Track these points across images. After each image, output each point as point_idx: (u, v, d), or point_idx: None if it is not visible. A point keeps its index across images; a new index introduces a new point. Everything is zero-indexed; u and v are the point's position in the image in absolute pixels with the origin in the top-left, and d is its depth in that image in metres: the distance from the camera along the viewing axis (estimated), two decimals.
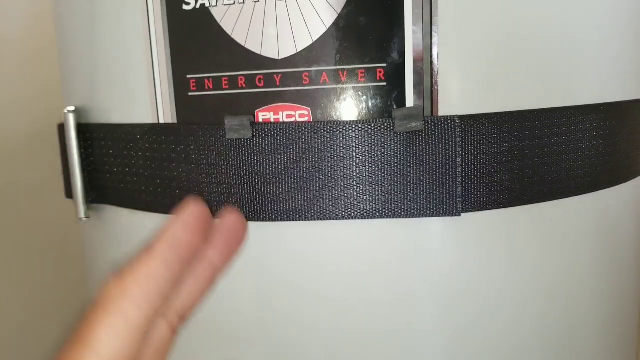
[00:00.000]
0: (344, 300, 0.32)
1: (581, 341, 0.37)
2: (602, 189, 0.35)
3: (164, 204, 0.33)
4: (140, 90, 0.32)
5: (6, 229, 0.70)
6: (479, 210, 0.31)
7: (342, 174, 0.30)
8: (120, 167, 0.34)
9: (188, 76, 0.31)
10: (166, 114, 0.32)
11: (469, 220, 0.31)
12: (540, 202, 0.32)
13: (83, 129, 0.36)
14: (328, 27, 0.28)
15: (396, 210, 0.30)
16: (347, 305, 0.32)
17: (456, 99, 0.30)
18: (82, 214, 0.36)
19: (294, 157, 0.30)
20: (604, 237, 0.37)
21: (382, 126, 0.29)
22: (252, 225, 0.31)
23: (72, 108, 0.35)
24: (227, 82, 0.30)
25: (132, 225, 0.36)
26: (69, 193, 0.39)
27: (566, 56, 0.32)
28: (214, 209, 0.31)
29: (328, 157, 0.29)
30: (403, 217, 0.30)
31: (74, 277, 0.72)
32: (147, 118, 0.33)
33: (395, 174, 0.29)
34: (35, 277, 0.74)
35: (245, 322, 0.33)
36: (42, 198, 0.73)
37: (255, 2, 0.29)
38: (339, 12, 0.28)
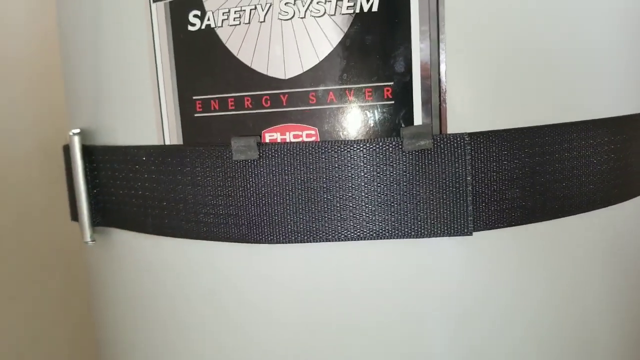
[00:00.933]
0: (352, 322, 0.31)
1: (596, 357, 0.36)
2: (614, 204, 0.34)
3: (170, 226, 0.32)
4: (145, 112, 0.32)
5: (13, 250, 0.70)
6: (490, 228, 0.30)
7: (350, 194, 0.29)
8: (126, 189, 0.34)
9: (194, 97, 0.30)
10: (172, 135, 0.31)
11: (479, 238, 0.30)
12: (552, 219, 0.31)
13: (88, 151, 0.36)
14: (335, 46, 0.28)
15: (406, 230, 0.29)
16: (357, 327, 0.31)
17: (465, 116, 0.29)
18: (87, 237, 0.36)
19: (301, 177, 0.29)
20: (616, 253, 0.36)
21: (390, 145, 0.28)
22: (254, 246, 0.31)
23: (77, 130, 0.35)
24: (233, 103, 0.30)
25: (138, 248, 0.35)
26: (75, 215, 0.39)
27: (575, 71, 0.32)
28: (221, 231, 0.31)
29: (336, 177, 0.29)
30: (413, 237, 0.29)
31: (80, 299, 0.72)
32: (153, 139, 0.32)
33: (405, 194, 0.29)
34: (40, 299, 0.73)
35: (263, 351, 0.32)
36: (49, 219, 0.72)
37: (261, 22, 0.29)
38: (345, 31, 0.28)
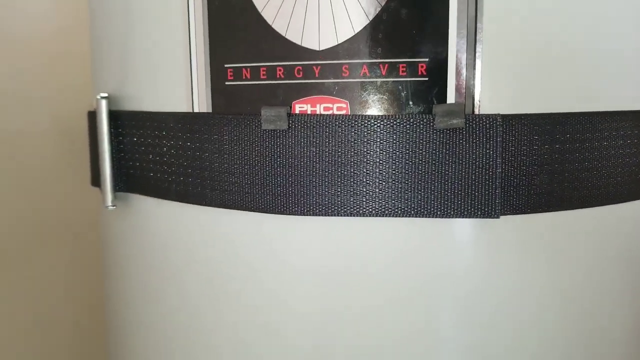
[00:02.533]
0: (368, 299, 0.31)
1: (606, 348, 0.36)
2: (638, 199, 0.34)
3: (194, 194, 0.32)
4: (175, 78, 0.32)
5: (25, 221, 0.71)
6: (517, 213, 0.30)
7: (378, 170, 0.29)
8: (150, 155, 0.34)
9: (226, 65, 0.30)
10: (201, 103, 0.31)
11: (503, 222, 0.30)
12: (579, 208, 0.31)
13: (114, 116, 0.36)
14: (371, 19, 0.28)
15: (433, 209, 0.29)
16: (371, 303, 0.31)
17: (498, 97, 0.29)
18: (109, 202, 0.36)
19: (330, 150, 0.29)
20: (633, 249, 0.36)
21: (422, 122, 0.28)
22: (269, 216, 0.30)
23: (104, 94, 0.35)
24: (265, 72, 0.30)
25: (160, 215, 0.35)
26: (96, 181, 0.39)
27: (609, 62, 0.31)
28: (246, 201, 0.31)
29: (365, 152, 0.29)
30: (439, 217, 0.29)
31: (92, 269, 0.72)
32: (182, 107, 0.32)
33: (433, 172, 0.29)
34: (52, 268, 0.74)
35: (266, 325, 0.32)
36: (65, 192, 0.73)
37: None
38: (382, 5, 0.28)
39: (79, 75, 0.69)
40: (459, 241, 0.31)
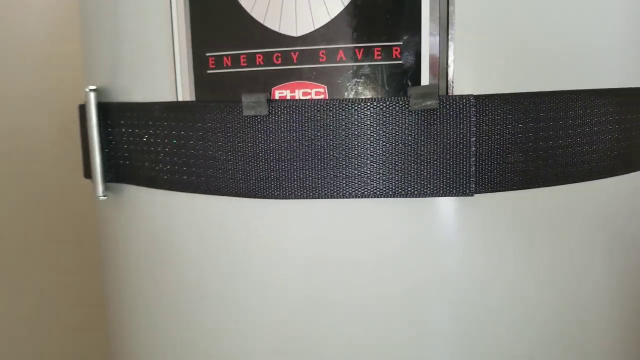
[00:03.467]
0: (353, 279, 0.32)
1: (591, 325, 0.37)
2: (617, 175, 0.35)
3: (181, 181, 0.33)
4: (160, 68, 0.33)
5: (22, 218, 0.72)
6: (492, 191, 0.31)
7: (356, 152, 0.30)
8: (139, 145, 0.35)
9: (207, 54, 0.31)
10: (185, 92, 0.32)
11: (481, 201, 0.31)
12: (554, 185, 0.32)
13: (103, 108, 0.37)
14: (346, 4, 0.29)
15: (409, 189, 0.30)
16: (355, 278, 0.32)
17: (471, 79, 0.30)
18: (100, 192, 0.37)
19: (309, 134, 0.30)
20: (617, 227, 0.37)
21: (397, 104, 0.29)
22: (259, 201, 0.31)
23: (93, 87, 0.36)
24: (245, 60, 0.30)
25: (149, 203, 0.36)
26: (88, 172, 0.40)
27: (583, 40, 0.32)
28: (230, 186, 0.32)
29: (343, 135, 0.30)
30: (416, 197, 0.30)
31: (92, 265, 0.73)
32: (167, 96, 0.33)
33: (409, 153, 0.30)
34: (52, 267, 0.75)
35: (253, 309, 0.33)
36: (59, 189, 0.74)
37: None
38: None
39: (76, 71, 0.70)
40: (440, 220, 0.32)
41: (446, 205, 0.31)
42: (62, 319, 0.77)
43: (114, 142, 0.37)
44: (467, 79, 0.30)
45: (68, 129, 0.71)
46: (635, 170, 0.36)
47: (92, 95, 0.36)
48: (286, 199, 0.31)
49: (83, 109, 0.39)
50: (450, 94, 0.30)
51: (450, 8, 0.29)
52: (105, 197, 0.37)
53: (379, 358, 0.32)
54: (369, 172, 0.30)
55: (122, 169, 0.37)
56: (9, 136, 0.68)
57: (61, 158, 0.73)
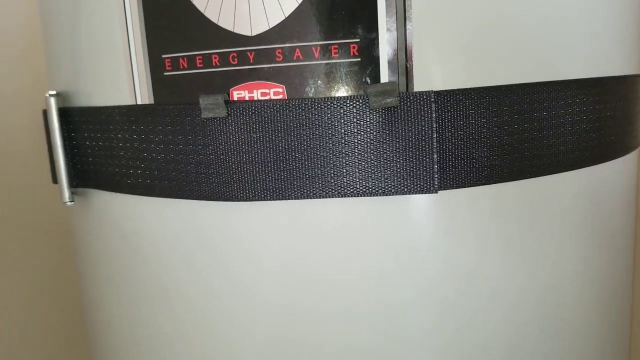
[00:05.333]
0: (323, 278, 0.32)
1: (568, 315, 0.37)
2: (587, 166, 0.34)
3: (144, 185, 0.33)
4: (118, 72, 0.32)
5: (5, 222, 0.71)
6: (457, 187, 0.30)
7: (318, 152, 0.29)
8: (101, 150, 0.35)
9: (163, 56, 0.31)
10: (143, 95, 0.32)
11: (452, 197, 0.31)
12: (521, 179, 0.32)
13: (65, 113, 0.36)
14: (300, 1, 0.28)
15: (373, 188, 0.30)
16: (327, 280, 0.32)
17: (432, 74, 0.29)
18: (66, 198, 0.36)
19: (269, 135, 0.30)
20: (592, 217, 0.37)
21: (357, 102, 0.29)
22: (221, 205, 0.31)
23: (53, 92, 0.35)
24: (201, 61, 0.30)
25: (116, 208, 0.36)
26: (55, 178, 0.39)
27: (547, 30, 0.32)
28: (192, 189, 0.31)
29: (304, 135, 0.29)
30: (380, 195, 0.30)
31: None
32: (126, 100, 0.33)
33: (372, 151, 0.29)
34: (35, 263, 0.74)
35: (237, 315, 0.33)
36: (39, 191, 0.73)
37: None
38: None
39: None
40: (412, 218, 0.32)
41: (420, 202, 0.31)
42: (42, 320, 0.77)
43: (77, 148, 0.36)
44: (427, 74, 0.29)
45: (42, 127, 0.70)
46: (606, 161, 0.36)
47: (52, 101, 0.35)
48: (249, 200, 0.30)
49: (46, 115, 0.38)
50: (411, 90, 0.29)
51: (407, 2, 0.28)
52: (72, 203, 0.37)
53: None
54: (331, 171, 0.30)
55: (87, 174, 0.36)
56: None
57: (37, 158, 0.72)
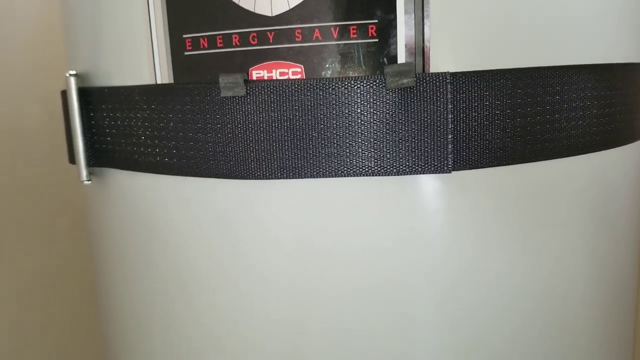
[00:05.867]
0: (335, 255, 0.32)
1: (572, 309, 0.37)
2: (597, 151, 0.35)
3: (162, 164, 0.34)
4: (138, 51, 0.33)
5: (8, 203, 0.71)
6: (470, 168, 0.31)
7: (335, 131, 0.30)
8: (120, 129, 0.35)
9: (184, 35, 0.31)
10: (163, 74, 0.32)
11: (462, 178, 0.31)
12: (532, 161, 0.32)
13: (84, 93, 0.37)
14: None
15: (388, 167, 0.30)
16: (334, 260, 0.32)
17: (448, 56, 0.30)
18: (83, 177, 0.37)
19: (287, 114, 0.30)
20: (600, 203, 0.37)
21: (374, 83, 0.29)
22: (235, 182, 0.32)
23: (73, 72, 0.36)
24: (221, 41, 0.30)
25: (133, 187, 0.36)
26: (72, 158, 0.40)
27: (563, 16, 0.32)
28: (210, 167, 0.32)
29: (321, 115, 0.30)
30: (394, 175, 0.30)
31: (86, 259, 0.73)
32: (146, 79, 0.33)
33: (387, 131, 0.30)
34: (45, 247, 0.75)
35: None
36: (52, 175, 0.74)
37: None
38: None
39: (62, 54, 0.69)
40: (424, 198, 0.32)
41: (430, 183, 0.32)
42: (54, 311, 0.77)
43: (96, 127, 0.37)
44: (443, 56, 0.30)
45: (52, 113, 0.70)
46: (616, 146, 0.37)
47: (72, 80, 0.36)
48: (266, 179, 0.31)
49: (65, 95, 0.39)
50: (427, 71, 0.30)
51: None
52: (90, 182, 0.38)
53: (362, 341, 0.33)
54: (347, 151, 0.30)
55: (104, 153, 0.37)
56: None
57: (47, 143, 0.72)
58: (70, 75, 0.36)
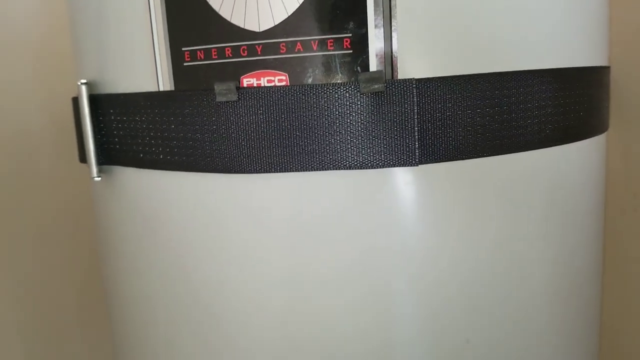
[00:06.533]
0: (318, 245, 0.37)
1: (528, 293, 0.41)
2: (552, 146, 0.39)
3: (165, 161, 0.38)
4: (142, 63, 0.37)
5: (15, 207, 0.73)
6: (435, 162, 0.35)
7: (316, 131, 0.34)
8: (126, 131, 0.40)
9: (183, 49, 0.36)
10: (165, 82, 0.37)
11: (428, 172, 0.36)
12: (491, 155, 0.36)
13: (94, 100, 0.41)
14: (301, 2, 0.33)
15: (364, 162, 0.35)
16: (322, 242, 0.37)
17: (414, 64, 0.34)
18: (94, 174, 0.41)
19: (274, 116, 0.34)
20: (555, 193, 0.41)
21: (349, 88, 0.33)
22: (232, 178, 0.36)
23: (84, 81, 0.40)
24: (216, 53, 0.35)
25: (138, 182, 0.41)
26: (83, 157, 0.44)
27: (519, 24, 0.36)
28: (207, 163, 0.36)
29: (304, 116, 0.34)
30: (370, 168, 0.35)
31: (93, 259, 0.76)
32: (149, 87, 0.38)
33: (362, 130, 0.34)
34: (48, 243, 0.77)
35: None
36: (55, 176, 0.77)
37: None
38: None
39: (65, 61, 0.72)
40: (396, 188, 0.36)
41: (401, 175, 0.36)
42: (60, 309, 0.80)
43: (104, 130, 0.41)
44: (410, 64, 0.34)
45: (54, 116, 0.73)
46: (571, 142, 0.41)
47: (83, 88, 0.40)
48: (256, 173, 0.35)
49: (76, 101, 0.43)
50: (396, 78, 0.34)
51: (392, 2, 0.33)
52: (100, 178, 0.42)
53: (346, 321, 0.37)
54: (328, 148, 0.34)
55: (112, 153, 0.41)
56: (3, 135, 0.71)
57: (50, 145, 0.75)
58: (82, 83, 0.40)
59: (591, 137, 0.43)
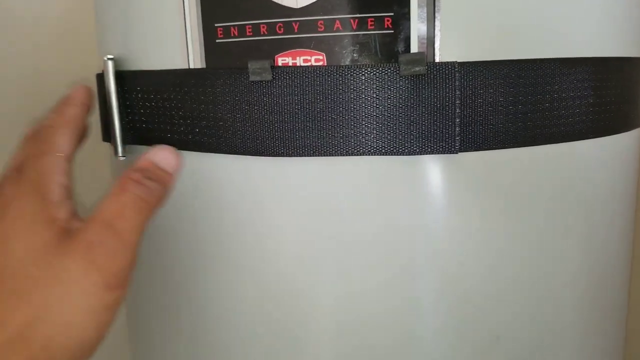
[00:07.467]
0: (347, 229, 0.35)
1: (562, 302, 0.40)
2: (592, 138, 0.38)
3: (193, 141, 0.37)
4: (172, 38, 0.36)
5: None
6: (475, 150, 0.34)
7: (352, 114, 0.33)
8: (154, 109, 0.38)
9: (216, 24, 0.34)
10: (196, 60, 0.35)
11: (466, 161, 0.34)
12: (532, 145, 0.35)
13: (119, 76, 0.40)
14: None
15: (400, 148, 0.33)
16: (342, 240, 0.35)
17: (456, 47, 0.33)
18: (120, 153, 0.40)
19: (309, 98, 0.33)
20: (588, 190, 0.40)
21: (389, 70, 0.32)
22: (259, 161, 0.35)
23: (111, 56, 0.39)
24: (250, 30, 0.33)
25: None
26: (107, 136, 0.43)
27: (561, 14, 0.35)
28: (238, 144, 0.35)
29: (340, 99, 0.33)
30: (405, 155, 0.33)
31: None
32: (179, 64, 0.36)
33: (400, 115, 0.33)
34: None
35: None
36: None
37: None
38: None
39: (84, 48, 0.72)
40: (430, 177, 0.35)
41: (434, 163, 0.35)
42: None
43: (130, 108, 0.40)
44: (452, 47, 0.33)
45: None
46: (611, 134, 0.39)
47: (110, 64, 0.39)
48: (288, 156, 0.34)
49: (100, 78, 0.42)
50: (437, 61, 0.33)
51: None
52: (125, 158, 0.41)
53: (365, 308, 0.36)
54: (363, 132, 0.33)
55: (138, 132, 0.40)
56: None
57: None
58: (108, 59, 0.39)
59: (630, 130, 0.42)
